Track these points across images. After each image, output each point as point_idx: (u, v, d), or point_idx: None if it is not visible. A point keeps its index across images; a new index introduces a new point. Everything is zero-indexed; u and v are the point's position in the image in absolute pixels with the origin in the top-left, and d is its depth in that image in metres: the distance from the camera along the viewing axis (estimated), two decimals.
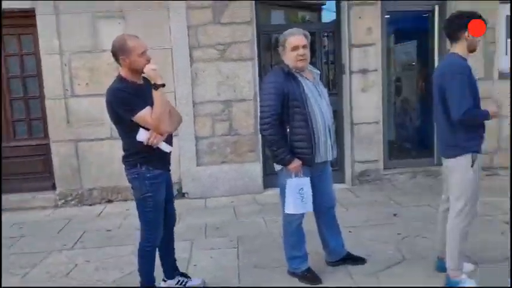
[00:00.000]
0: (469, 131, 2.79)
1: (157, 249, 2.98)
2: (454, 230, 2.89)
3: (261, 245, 3.96)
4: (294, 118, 2.95)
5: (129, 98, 2.64)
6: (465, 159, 2.81)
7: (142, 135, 2.70)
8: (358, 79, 5.68)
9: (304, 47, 3.01)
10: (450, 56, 2.90)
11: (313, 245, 3.50)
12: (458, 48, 2.86)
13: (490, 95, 5.66)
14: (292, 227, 3.15)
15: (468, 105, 2.68)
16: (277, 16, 7.05)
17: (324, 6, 7.20)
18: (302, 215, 3.13)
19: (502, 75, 5.84)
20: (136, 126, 2.68)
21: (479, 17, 2.82)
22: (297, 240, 3.19)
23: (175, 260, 3.20)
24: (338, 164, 5.89)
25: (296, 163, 2.96)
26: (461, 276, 2.92)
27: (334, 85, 5.96)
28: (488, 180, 5.64)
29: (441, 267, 3.13)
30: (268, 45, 5.91)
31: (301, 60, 3.00)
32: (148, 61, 2.72)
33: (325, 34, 5.97)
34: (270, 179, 5.40)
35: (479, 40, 2.90)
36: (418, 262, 3.43)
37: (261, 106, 3.02)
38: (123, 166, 2.85)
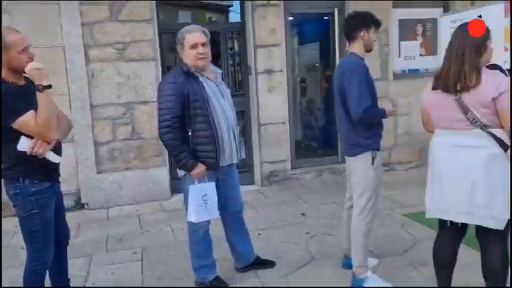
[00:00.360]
0: (368, 129, 2.85)
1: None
2: (358, 227, 2.93)
3: (168, 255, 3.74)
4: (196, 120, 2.79)
5: (7, 101, 2.29)
6: (366, 157, 2.86)
7: (24, 144, 2.36)
8: (263, 80, 5.66)
9: (203, 44, 2.86)
10: (348, 55, 2.94)
11: (222, 251, 3.38)
12: (356, 48, 2.91)
13: (386, 95, 5.98)
14: (198, 235, 2.99)
15: (366, 104, 2.73)
16: (184, 17, 6.86)
17: (231, 8, 7.15)
18: (208, 221, 2.98)
19: (396, 76, 6.18)
20: (17, 134, 2.33)
21: (373, 16, 2.90)
22: (203, 248, 3.04)
23: (68, 280, 2.88)
24: (247, 165, 5.85)
25: (200, 168, 2.81)
26: (367, 273, 2.97)
27: (240, 86, 5.90)
28: (386, 175, 5.92)
29: (348, 264, 3.17)
30: (172, 44, 5.68)
31: (202, 58, 2.85)
32: (30, 59, 2.39)
33: (231, 35, 5.88)
34: (178, 184, 5.11)
35: (375, 40, 2.97)
36: (326, 261, 3.46)
37: (159, 109, 2.80)
38: (3, 180, 2.48)
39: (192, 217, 2.85)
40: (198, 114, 2.79)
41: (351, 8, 5.65)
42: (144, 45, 5.19)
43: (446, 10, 6.14)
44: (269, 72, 5.68)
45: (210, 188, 2.87)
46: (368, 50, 2.93)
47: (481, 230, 2.41)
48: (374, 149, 2.87)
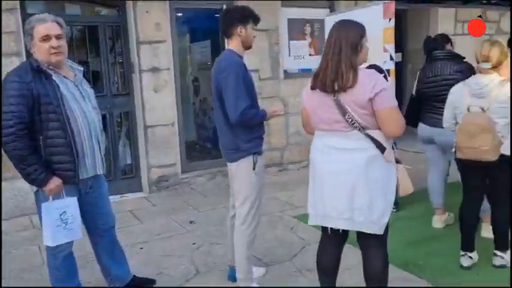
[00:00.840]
0: (248, 132, 2.65)
1: None
2: (241, 237, 2.73)
3: (29, 282, 3.22)
4: (49, 126, 2.36)
5: None
6: (246, 162, 2.67)
7: None
8: (149, 78, 5.27)
9: (58, 37, 2.44)
10: (225, 52, 2.71)
11: (95, 271, 2.98)
12: (233, 45, 2.69)
13: (277, 94, 5.93)
14: (58, 260, 2.56)
15: (245, 105, 2.52)
16: (73, 10, 6.18)
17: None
18: (70, 243, 2.57)
19: (287, 75, 6.16)
20: None
21: (250, 11, 2.70)
22: (65, 274, 2.61)
23: None
24: (133, 171, 5.43)
25: (54, 182, 2.38)
26: (251, 285, 2.79)
27: (124, 85, 5.44)
28: (279, 175, 5.93)
29: (233, 276, 2.95)
30: None
31: (56, 53, 2.42)
32: None
33: (112, 29, 5.38)
34: None
35: (255, 36, 2.77)
36: (212, 273, 3.22)
37: (2, 113, 2.32)
38: None
39: (49, 240, 2.43)
40: (52, 119, 2.36)
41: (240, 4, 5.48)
42: (5, 38, 4.51)
43: (332, 10, 6.26)
44: (155, 70, 5.30)
45: (70, 204, 2.45)
46: (247, 46, 2.73)
47: (361, 235, 2.33)
48: (255, 153, 2.68)
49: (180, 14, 6.25)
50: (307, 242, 3.64)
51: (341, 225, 2.28)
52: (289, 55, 6.26)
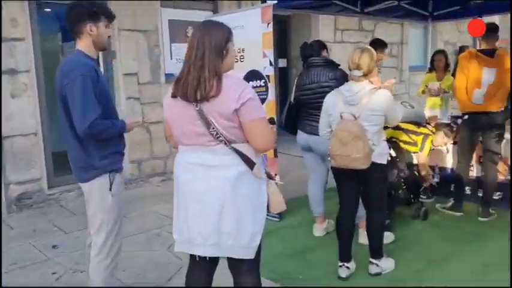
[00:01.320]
0: (103, 147, 2.28)
1: None
2: (96, 271, 2.35)
3: None
4: None
5: None
6: (101, 182, 2.29)
7: None
8: (4, 82, 4.57)
9: None
10: (74, 53, 2.30)
11: None
12: (82, 45, 2.29)
13: (158, 100, 5.55)
14: None
15: (95, 115, 2.14)
16: None
17: None
18: None
19: (169, 79, 5.82)
20: None
21: (102, 6, 2.32)
22: None
23: None
24: None
25: None
26: None
27: None
28: (162, 186, 5.57)
29: None
30: None
31: None
32: None
33: None
34: None
35: (110, 35, 2.41)
36: None
37: None
38: None
39: None
40: None
41: (112, 5, 5.01)
42: None
43: (216, 13, 6.06)
44: (11, 72, 4.62)
45: None
46: (100, 47, 2.35)
47: (231, 260, 2.10)
48: (112, 170, 2.32)
49: (48, 10, 5.62)
50: (185, 262, 3.31)
51: (208, 253, 2.03)
52: (171, 58, 5.94)
